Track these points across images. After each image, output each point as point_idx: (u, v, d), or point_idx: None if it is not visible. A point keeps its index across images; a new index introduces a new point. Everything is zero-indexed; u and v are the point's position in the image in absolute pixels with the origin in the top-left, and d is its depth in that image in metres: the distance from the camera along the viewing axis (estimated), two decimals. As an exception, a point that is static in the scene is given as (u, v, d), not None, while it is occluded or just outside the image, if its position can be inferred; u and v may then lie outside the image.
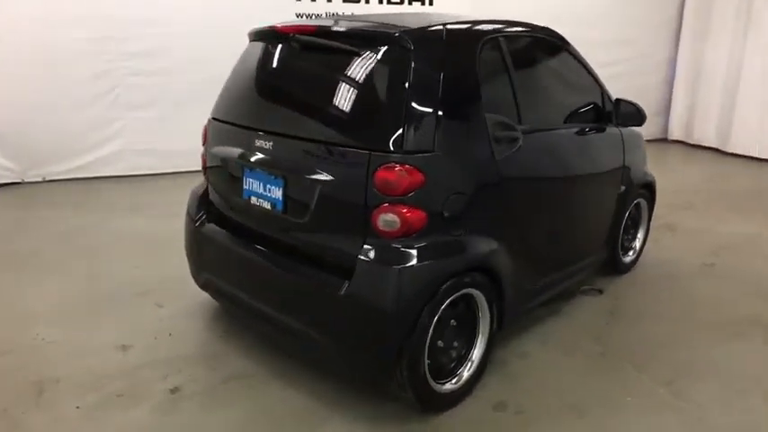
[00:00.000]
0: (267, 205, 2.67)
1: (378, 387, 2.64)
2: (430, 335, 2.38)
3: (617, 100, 3.52)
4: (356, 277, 2.31)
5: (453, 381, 2.60)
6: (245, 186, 2.78)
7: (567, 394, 2.74)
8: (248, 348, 3.07)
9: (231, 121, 2.91)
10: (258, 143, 2.66)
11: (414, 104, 2.30)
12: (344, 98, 2.47)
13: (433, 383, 2.47)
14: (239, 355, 3.03)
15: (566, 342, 3.21)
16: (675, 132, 9.04)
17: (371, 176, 2.27)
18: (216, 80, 6.37)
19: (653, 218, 4.34)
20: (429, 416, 2.54)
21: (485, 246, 2.55)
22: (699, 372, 2.94)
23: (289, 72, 2.75)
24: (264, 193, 2.67)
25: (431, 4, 7.52)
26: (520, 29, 2.99)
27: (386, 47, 2.41)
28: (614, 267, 3.99)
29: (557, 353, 3.11)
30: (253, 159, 2.70)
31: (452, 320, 2.56)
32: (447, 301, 2.41)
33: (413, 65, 2.33)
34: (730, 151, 8.17)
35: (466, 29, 2.64)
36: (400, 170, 2.25)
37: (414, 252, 2.30)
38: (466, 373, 2.64)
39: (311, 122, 2.56)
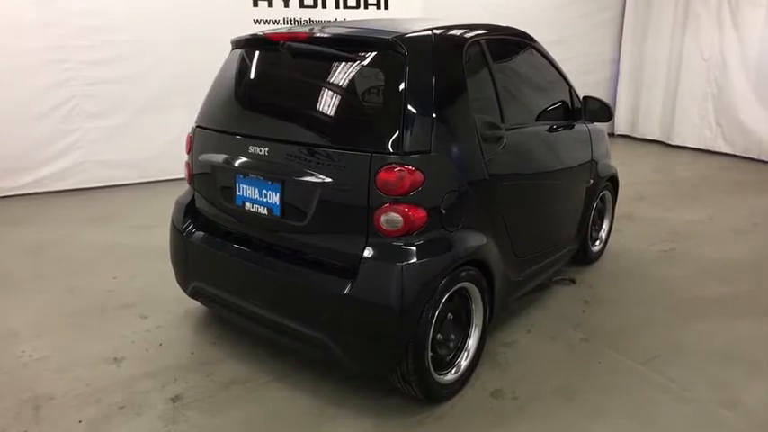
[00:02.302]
0: (263, 210, 2.70)
1: (381, 382, 2.72)
2: (432, 328, 2.48)
3: (585, 97, 3.74)
4: (361, 276, 2.39)
5: (453, 371, 2.71)
6: (237, 193, 2.81)
7: (556, 379, 2.90)
8: (243, 353, 3.09)
9: (220, 129, 2.92)
10: (252, 149, 2.69)
11: (411, 107, 2.40)
12: (342, 103, 2.54)
13: (435, 375, 2.58)
14: (235, 360, 3.04)
15: (548, 330, 3.38)
16: (621, 127, 9.51)
17: (373, 177, 2.36)
18: (176, 87, 6.44)
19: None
20: (432, 406, 2.64)
21: (477, 241, 2.68)
22: (675, 350, 3.16)
23: (282, 79, 2.80)
24: (260, 199, 2.71)
25: (386, 7, 7.65)
26: (497, 32, 3.14)
27: (381, 52, 2.51)
28: (584, 257, 4.21)
29: (541, 341, 3.27)
30: (246, 166, 2.73)
31: (449, 314, 2.68)
32: (446, 295, 2.52)
33: (408, 69, 2.43)
34: (673, 144, 8.68)
35: (451, 33, 2.76)
36: (402, 171, 2.34)
37: (415, 249, 2.40)
38: (463, 362, 2.75)
39: (308, 127, 2.62)
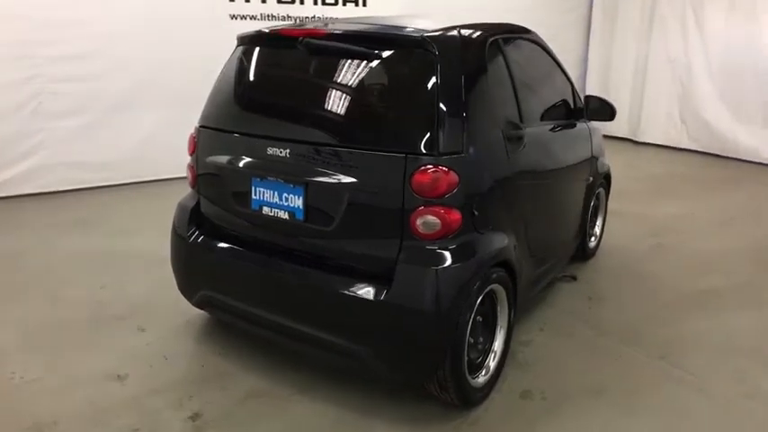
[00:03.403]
0: (284, 215, 2.58)
1: (410, 389, 2.65)
2: (468, 331, 2.43)
3: (587, 96, 3.76)
4: (397, 281, 2.30)
5: (483, 373, 2.66)
6: (253, 196, 2.67)
7: (581, 377, 2.89)
8: (255, 364, 2.95)
9: (232, 130, 2.77)
10: (271, 151, 2.56)
11: (443, 107, 2.33)
12: (370, 103, 2.45)
13: (469, 378, 2.52)
14: (248, 372, 2.90)
15: (560, 327, 3.38)
16: (590, 125, 9.73)
17: (408, 179, 2.27)
18: (148, 84, 6.14)
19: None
20: (465, 411, 2.59)
21: (503, 241, 2.63)
22: (686, 344, 3.21)
23: (301, 77, 2.66)
24: (280, 203, 2.58)
25: (364, 5, 7.55)
26: (511, 31, 3.11)
27: (410, 50, 2.42)
28: (582, 254, 4.25)
29: (556, 338, 3.27)
30: (264, 168, 2.60)
31: (478, 316, 2.62)
32: (480, 297, 2.47)
33: (439, 68, 2.35)
34: (640, 141, 8.95)
35: (473, 32, 2.70)
36: (438, 172, 2.27)
37: (452, 252, 2.33)
38: (492, 364, 2.71)
39: (334, 128, 2.51)
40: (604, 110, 3.75)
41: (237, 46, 2.94)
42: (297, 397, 2.71)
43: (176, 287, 3.14)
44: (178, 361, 3.02)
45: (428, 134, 2.30)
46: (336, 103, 2.51)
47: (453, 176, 2.30)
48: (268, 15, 6.86)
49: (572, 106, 3.67)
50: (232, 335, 3.19)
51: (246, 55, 2.86)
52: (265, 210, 2.64)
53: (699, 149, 8.23)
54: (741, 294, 3.86)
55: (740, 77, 7.63)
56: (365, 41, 2.51)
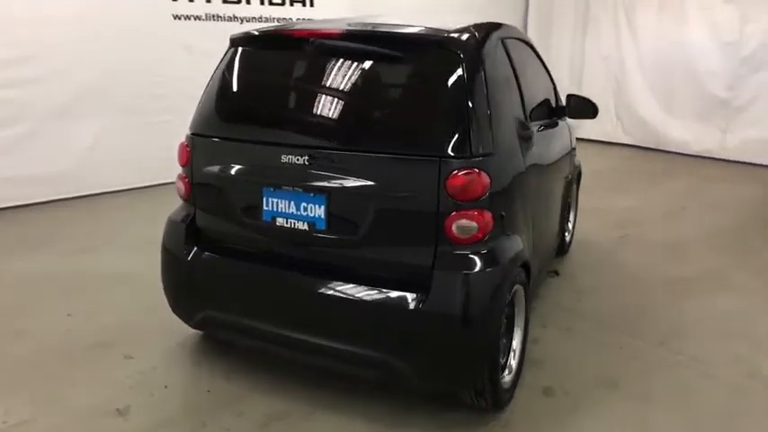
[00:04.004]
0: (302, 225, 2.45)
1: (434, 397, 2.60)
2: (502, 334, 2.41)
3: (569, 95, 3.86)
4: (436, 289, 2.24)
5: (506, 372, 2.66)
6: (265, 207, 2.52)
7: (593, 369, 2.96)
8: (266, 385, 2.79)
9: (236, 137, 2.61)
10: (286, 159, 2.42)
11: (472, 108, 2.29)
12: (398, 106, 2.37)
13: (501, 380, 2.51)
14: (259, 393, 2.74)
15: (559, 323, 3.45)
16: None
17: (443, 183, 2.22)
18: (89, 90, 5.70)
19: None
20: (494, 414, 2.57)
21: (523, 241, 2.64)
22: (678, 331, 3.37)
23: (318, 81, 2.52)
24: (298, 213, 2.45)
25: (311, 5, 7.41)
26: (509, 32, 3.13)
27: (434, 51, 2.37)
28: (560, 248, 4.36)
29: (559, 333, 3.33)
30: (278, 177, 2.46)
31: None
32: (509, 298, 2.47)
33: (466, 68, 2.32)
34: (578, 137, 9.33)
35: (485, 32, 2.68)
36: (473, 174, 2.23)
37: (488, 256, 2.31)
38: (513, 363, 2.71)
39: (358, 133, 2.41)
40: (587, 108, 3.87)
41: (231, 48, 2.75)
42: (320, 414, 2.59)
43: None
44: (181, 388, 2.81)
45: (461, 136, 2.26)
46: (359, 107, 2.42)
47: (486, 178, 2.27)
48: (213, 16, 6.58)
49: (555, 105, 3.76)
50: (231, 355, 3.01)
51: (245, 57, 2.69)
52: (279, 221, 2.49)
53: (634, 144, 8.72)
54: (712, 280, 4.10)
55: (671, 74, 8.17)
56: (384, 42, 2.43)
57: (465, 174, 2.23)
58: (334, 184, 2.36)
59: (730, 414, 2.64)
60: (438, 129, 2.30)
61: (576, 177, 4.43)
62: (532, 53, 3.49)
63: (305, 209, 2.44)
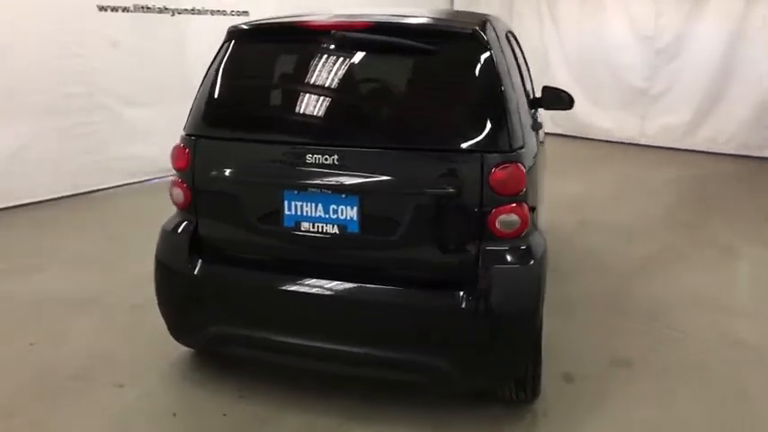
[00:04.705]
0: (332, 229, 2.31)
1: (478, 394, 2.57)
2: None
3: (545, 87, 3.93)
4: (483, 284, 2.20)
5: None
6: (287, 212, 2.35)
7: (601, 351, 3.04)
8: (281, 400, 2.62)
9: (250, 138, 2.41)
10: (312, 159, 2.27)
11: (507, 101, 2.26)
12: (434, 100, 2.29)
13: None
14: (280, 410, 2.56)
15: (553, 308, 3.49)
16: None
17: (487, 178, 2.18)
18: (7, 91, 5.05)
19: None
20: (529, 405, 2.57)
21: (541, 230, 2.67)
22: (663, 306, 3.55)
23: (345, 75, 2.36)
24: (326, 216, 2.30)
25: (244, -4, 7.06)
26: (508, 26, 3.14)
27: (464, 44, 2.30)
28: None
29: (556, 319, 3.34)
30: (303, 178, 2.30)
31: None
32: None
33: (495, 61, 2.28)
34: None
35: (496, 24, 2.65)
36: (515, 168, 2.21)
37: (528, 249, 2.30)
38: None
39: (392, 130, 2.31)
40: (562, 99, 3.96)
41: (230, 41, 2.52)
42: (353, 424, 2.48)
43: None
44: (191, 413, 2.57)
45: (500, 130, 2.22)
46: (392, 102, 2.32)
47: (524, 171, 2.26)
48: (142, 7, 6.10)
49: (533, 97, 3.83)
50: (234, 372, 2.79)
51: (253, 52, 2.49)
52: (304, 226, 2.33)
53: (563, 133, 9.16)
54: (671, 256, 4.38)
55: (594, 66, 8.66)
56: (415, 34, 2.33)
57: (507, 167, 2.20)
58: (368, 183, 2.25)
59: (742, 383, 2.79)
60: (478, 123, 2.25)
61: (540, 164, 4.56)
62: (516, 45, 3.53)
63: (334, 211, 2.30)
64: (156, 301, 2.64)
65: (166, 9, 6.26)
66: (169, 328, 2.69)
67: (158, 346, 2.97)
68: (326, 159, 2.26)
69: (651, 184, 6.55)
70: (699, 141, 7.96)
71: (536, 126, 2.86)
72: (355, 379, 2.67)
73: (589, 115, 8.81)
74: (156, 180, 6.03)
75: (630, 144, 8.48)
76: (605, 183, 6.58)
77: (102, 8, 5.75)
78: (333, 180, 2.27)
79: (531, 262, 2.27)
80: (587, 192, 6.17)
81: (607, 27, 8.44)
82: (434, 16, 2.51)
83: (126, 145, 6.02)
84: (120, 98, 6.03)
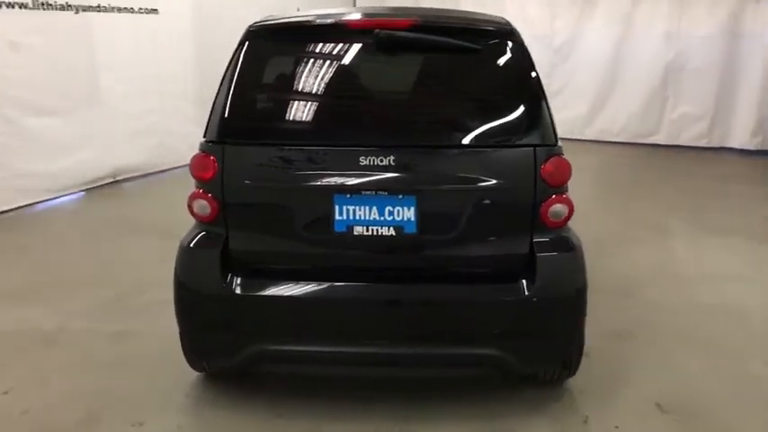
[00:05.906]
0: (387, 231, 2.27)
1: (502, 381, 2.65)
2: None
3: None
4: (541, 274, 2.28)
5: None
6: (338, 217, 2.27)
7: (603, 325, 3.17)
8: (325, 413, 2.52)
9: (293, 143, 2.29)
10: (365, 161, 2.21)
11: (544, 96, 2.38)
12: (483, 97, 2.33)
13: None
14: (329, 423, 2.47)
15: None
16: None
17: (539, 171, 2.27)
18: None
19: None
20: (562, 385, 2.70)
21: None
22: (637, 283, 3.88)
23: (391, 75, 2.31)
24: (382, 219, 2.26)
25: (153, -6, 6.57)
26: None
27: (504, 42, 2.37)
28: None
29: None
30: (357, 181, 2.23)
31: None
32: None
33: (530, 58, 2.39)
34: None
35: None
36: (562, 159, 2.32)
37: (573, 237, 2.44)
38: None
39: (446, 128, 2.31)
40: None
41: (256, 40, 2.36)
42: (413, 428, 2.44)
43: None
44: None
45: (546, 124, 2.33)
46: (443, 101, 2.32)
47: (569, 163, 2.38)
48: (42, 4, 5.44)
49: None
50: (265, 391, 2.65)
51: (284, 52, 2.35)
52: (358, 230, 2.27)
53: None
54: (623, 237, 4.75)
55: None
56: (453, 33, 2.34)
57: (555, 160, 2.31)
58: (425, 182, 2.25)
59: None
60: (526, 118, 2.33)
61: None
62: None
63: (390, 213, 2.26)
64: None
65: (69, 6, 5.64)
66: (190, 353, 2.48)
67: (160, 375, 2.75)
68: (382, 161, 2.21)
69: (575, 171, 7.09)
70: (595, 132, 8.79)
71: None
72: (392, 382, 2.66)
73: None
74: (75, 195, 5.45)
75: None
76: (577, 179, 6.98)
77: (9, 5, 5.06)
78: (389, 181, 2.23)
79: (575, 248, 2.40)
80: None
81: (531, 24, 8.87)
82: (460, 14, 2.54)
83: (34, 159, 5.35)
84: (21, 106, 5.33)
